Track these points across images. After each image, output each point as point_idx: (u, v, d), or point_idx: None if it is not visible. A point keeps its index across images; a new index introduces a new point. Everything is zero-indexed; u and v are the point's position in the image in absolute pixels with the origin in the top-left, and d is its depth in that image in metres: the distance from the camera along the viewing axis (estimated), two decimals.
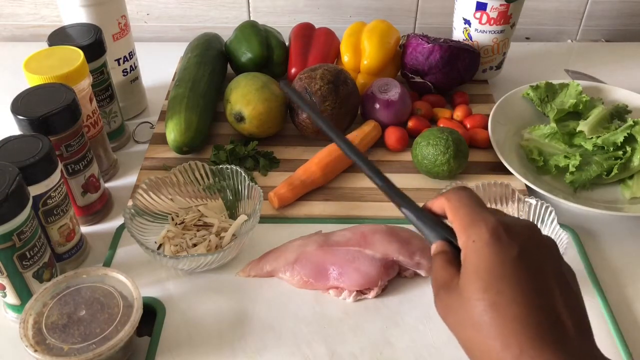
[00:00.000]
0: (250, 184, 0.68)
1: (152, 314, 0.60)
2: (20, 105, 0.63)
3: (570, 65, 1.03)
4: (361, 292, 0.62)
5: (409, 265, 0.63)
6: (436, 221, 0.43)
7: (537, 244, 0.38)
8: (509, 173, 0.75)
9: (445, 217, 0.42)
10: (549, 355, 0.33)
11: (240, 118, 0.79)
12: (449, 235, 0.42)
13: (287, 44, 0.95)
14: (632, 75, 1.00)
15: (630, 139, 0.76)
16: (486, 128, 0.82)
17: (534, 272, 0.36)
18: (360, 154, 0.49)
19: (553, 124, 0.81)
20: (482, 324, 0.35)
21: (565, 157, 0.77)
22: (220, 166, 0.70)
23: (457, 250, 0.40)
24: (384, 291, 0.63)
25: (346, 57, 0.89)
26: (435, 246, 0.42)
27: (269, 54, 0.91)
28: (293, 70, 0.90)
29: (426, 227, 0.43)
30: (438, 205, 0.42)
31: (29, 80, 0.68)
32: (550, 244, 0.39)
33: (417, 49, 0.87)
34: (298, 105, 0.54)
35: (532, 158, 0.78)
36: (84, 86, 0.70)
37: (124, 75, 0.87)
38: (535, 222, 0.65)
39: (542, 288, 0.36)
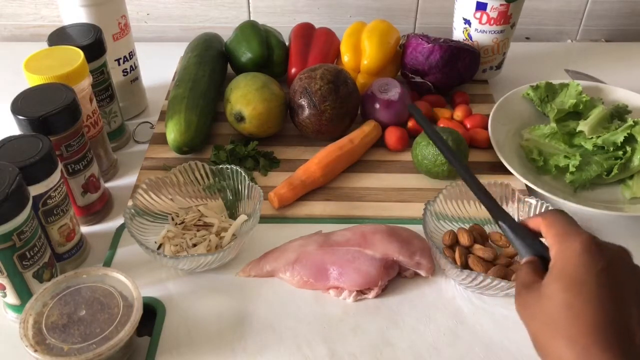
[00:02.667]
0: (250, 184, 0.68)
1: (152, 314, 0.60)
2: (20, 105, 0.63)
3: (570, 65, 1.03)
4: (361, 292, 0.62)
5: (409, 265, 0.63)
6: (531, 236, 0.46)
7: (626, 267, 0.40)
8: (509, 173, 0.75)
9: (539, 235, 0.46)
10: (611, 355, 0.36)
11: (240, 118, 0.79)
12: (541, 250, 0.45)
13: (287, 44, 0.95)
14: (632, 75, 1.00)
15: (630, 139, 0.76)
16: (486, 128, 0.82)
17: (614, 287, 0.38)
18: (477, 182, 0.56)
19: (553, 124, 0.81)
20: (554, 320, 0.38)
21: (566, 157, 0.77)
22: (220, 166, 0.70)
23: (545, 264, 0.43)
24: (384, 291, 0.63)
25: (346, 57, 0.89)
26: (527, 259, 0.45)
27: (269, 54, 0.91)
28: (293, 70, 0.90)
29: (521, 241, 0.47)
30: (534, 222, 0.46)
31: (29, 80, 0.68)
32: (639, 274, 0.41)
33: (417, 49, 0.87)
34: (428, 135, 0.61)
35: (532, 158, 0.78)
36: (84, 86, 0.70)
37: (124, 75, 0.87)
38: None
39: (618, 302, 0.38)
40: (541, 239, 0.46)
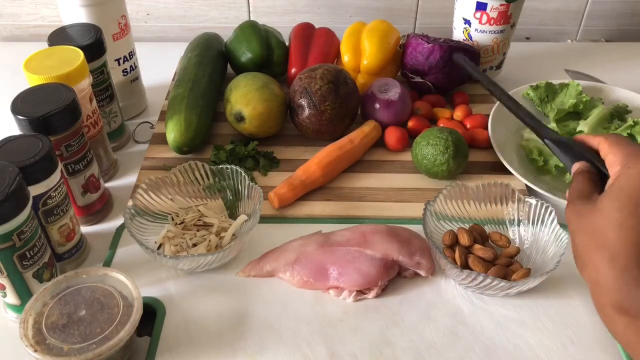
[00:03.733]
0: (250, 184, 0.68)
1: (152, 314, 0.60)
2: (20, 105, 0.63)
3: (570, 65, 1.03)
4: (361, 292, 0.62)
5: (409, 265, 0.63)
6: (585, 147, 0.46)
7: None
8: (509, 173, 0.75)
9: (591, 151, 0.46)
10: None
11: (240, 118, 0.80)
12: (594, 160, 0.45)
13: (287, 44, 0.95)
14: (632, 75, 1.00)
15: (630, 139, 0.76)
16: (486, 128, 0.82)
17: None
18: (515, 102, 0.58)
19: (553, 124, 0.81)
20: (602, 234, 0.38)
21: None
22: (220, 166, 0.70)
23: (600, 175, 0.43)
24: (384, 291, 0.63)
25: (346, 57, 0.89)
26: (580, 165, 0.45)
27: (269, 54, 0.91)
28: (293, 70, 0.90)
29: (568, 154, 0.47)
30: (592, 141, 0.46)
31: (29, 80, 0.68)
32: None
33: (417, 49, 0.87)
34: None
35: (532, 158, 0.78)
36: (84, 86, 0.70)
37: (124, 75, 0.87)
38: (535, 222, 0.65)
39: None
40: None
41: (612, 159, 0.43)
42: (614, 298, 0.38)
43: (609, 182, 0.41)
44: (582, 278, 0.63)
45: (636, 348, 0.38)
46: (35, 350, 0.51)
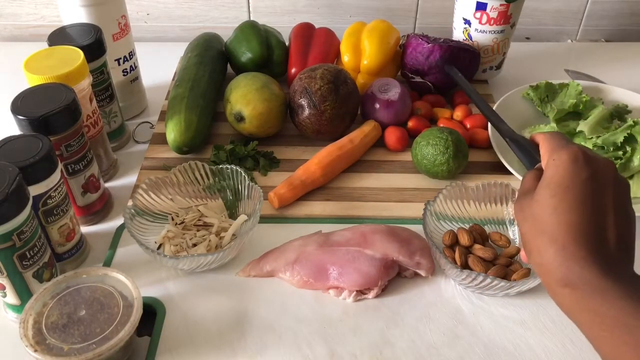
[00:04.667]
0: (250, 184, 0.68)
1: (152, 314, 0.60)
2: (20, 105, 0.63)
3: (570, 65, 1.03)
4: (361, 292, 0.62)
5: (409, 265, 0.63)
6: (535, 151, 0.50)
7: (609, 178, 0.44)
8: (509, 173, 0.75)
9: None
10: (585, 253, 0.41)
11: (240, 118, 0.79)
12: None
13: (287, 44, 0.95)
14: (632, 75, 1.00)
15: (630, 139, 0.76)
16: (486, 128, 0.82)
17: (596, 195, 0.43)
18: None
19: (553, 124, 0.81)
20: (541, 220, 0.43)
21: None
22: (220, 166, 0.70)
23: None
24: (384, 291, 0.63)
25: (346, 57, 0.89)
26: (533, 167, 0.50)
27: (269, 54, 0.91)
28: (293, 70, 0.90)
29: (526, 155, 0.53)
30: (536, 138, 0.50)
31: (29, 80, 0.68)
32: (622, 184, 0.45)
33: (417, 49, 0.87)
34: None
35: None
36: (84, 86, 0.70)
37: (124, 75, 0.87)
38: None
39: (597, 208, 0.42)
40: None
41: (543, 153, 0.47)
42: (556, 274, 0.42)
43: (544, 171, 0.46)
44: None
45: (578, 316, 0.42)
46: (35, 350, 0.51)
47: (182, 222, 0.69)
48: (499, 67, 0.96)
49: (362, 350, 0.57)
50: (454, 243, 0.65)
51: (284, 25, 1.02)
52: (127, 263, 0.66)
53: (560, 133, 0.49)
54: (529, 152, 0.53)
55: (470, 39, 0.92)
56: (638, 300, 0.39)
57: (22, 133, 0.62)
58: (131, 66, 0.88)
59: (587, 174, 0.43)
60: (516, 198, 0.48)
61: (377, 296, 0.62)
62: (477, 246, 0.64)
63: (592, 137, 0.77)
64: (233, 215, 0.71)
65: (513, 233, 0.68)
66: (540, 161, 0.49)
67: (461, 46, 0.87)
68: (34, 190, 0.58)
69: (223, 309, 0.61)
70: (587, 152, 0.44)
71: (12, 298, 0.58)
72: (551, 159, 0.45)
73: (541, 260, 0.43)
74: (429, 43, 0.86)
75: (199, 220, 0.70)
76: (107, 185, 0.78)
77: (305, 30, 0.95)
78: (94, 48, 0.75)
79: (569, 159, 0.43)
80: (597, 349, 0.41)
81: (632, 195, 0.73)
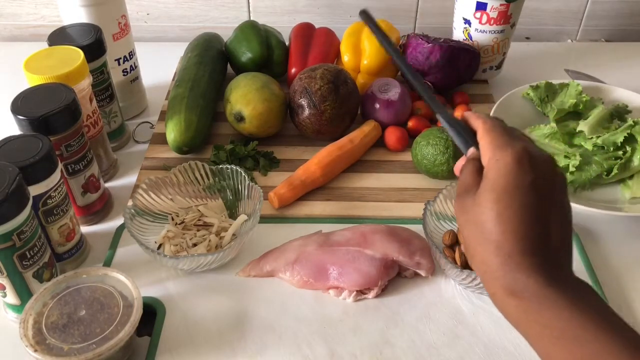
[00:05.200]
0: (250, 184, 0.68)
1: (152, 314, 0.60)
2: (20, 105, 0.63)
3: (570, 65, 1.03)
4: (361, 292, 0.62)
5: (409, 265, 0.63)
6: (468, 132, 0.48)
7: (551, 177, 0.43)
8: None
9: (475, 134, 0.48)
10: (530, 263, 0.40)
11: (240, 118, 0.79)
12: (477, 147, 0.47)
13: (287, 44, 0.95)
14: (632, 75, 1.00)
15: (630, 139, 0.76)
16: None
17: (540, 199, 0.41)
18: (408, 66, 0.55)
19: (553, 124, 0.81)
20: (485, 227, 0.41)
21: (566, 157, 0.77)
22: (220, 166, 0.70)
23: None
24: (384, 291, 0.63)
25: (346, 57, 0.89)
26: (470, 152, 0.47)
27: (269, 54, 0.91)
28: (293, 70, 0.90)
29: (461, 136, 0.49)
30: (474, 122, 0.47)
31: (29, 80, 0.68)
32: (562, 181, 0.44)
33: (417, 49, 0.87)
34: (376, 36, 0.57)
35: None
36: (84, 86, 0.70)
37: (124, 75, 0.87)
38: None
39: (542, 213, 0.41)
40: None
41: (484, 147, 0.45)
42: (502, 284, 0.41)
43: (484, 171, 0.44)
44: (585, 278, 0.64)
45: (526, 327, 0.41)
46: (35, 350, 0.51)
47: (182, 222, 0.69)
48: (499, 67, 0.96)
49: (362, 350, 0.57)
50: (454, 243, 0.65)
51: (284, 25, 1.02)
52: (127, 263, 0.66)
53: (498, 120, 0.46)
54: (462, 132, 0.49)
55: (470, 39, 0.92)
56: (583, 309, 0.39)
57: (22, 133, 0.62)
58: (131, 66, 0.88)
59: (532, 177, 0.41)
60: (457, 194, 0.46)
61: (377, 296, 0.62)
62: None
63: (592, 137, 0.77)
64: (233, 215, 0.71)
65: None
66: (473, 144, 0.47)
67: (461, 46, 0.87)
68: (34, 190, 0.58)
69: (223, 309, 0.61)
70: (531, 152, 0.43)
71: (12, 298, 0.58)
72: (494, 158, 0.43)
73: (486, 269, 0.42)
74: (429, 43, 0.86)
75: (199, 220, 0.70)
76: (107, 185, 0.78)
77: (305, 30, 0.95)
78: (94, 48, 0.75)
79: (513, 161, 0.42)
80: None
81: (631, 195, 0.73)
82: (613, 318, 0.39)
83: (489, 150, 0.44)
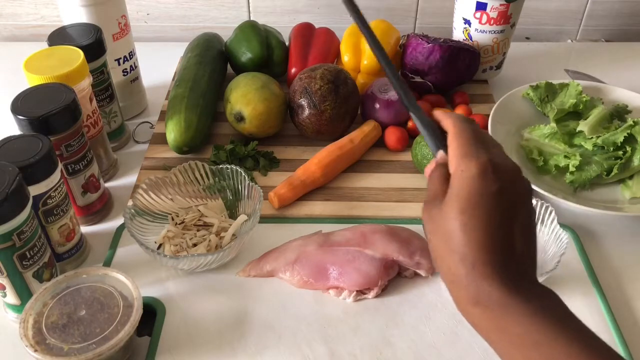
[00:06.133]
0: (250, 183, 0.68)
1: (152, 314, 0.60)
2: (20, 105, 0.63)
3: (570, 65, 1.03)
4: (361, 292, 0.62)
5: (409, 265, 0.63)
6: (439, 133, 0.48)
7: (516, 186, 0.43)
8: None
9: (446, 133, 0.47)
10: (494, 272, 0.40)
11: (240, 118, 0.79)
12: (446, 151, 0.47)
13: (287, 44, 0.95)
14: (632, 75, 1.00)
15: (630, 139, 0.76)
16: (486, 128, 0.82)
17: (505, 209, 0.42)
18: (389, 62, 0.54)
19: (553, 124, 0.81)
20: (451, 238, 0.42)
21: (565, 157, 0.77)
22: (220, 166, 0.70)
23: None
24: (384, 291, 0.63)
25: (346, 57, 0.89)
26: (439, 157, 0.47)
27: (269, 54, 0.91)
28: (293, 70, 0.90)
29: (432, 138, 0.48)
30: (445, 123, 0.47)
31: (29, 80, 0.68)
32: (526, 189, 0.45)
33: (417, 49, 0.87)
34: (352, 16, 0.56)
35: (532, 158, 0.78)
36: (84, 86, 0.70)
37: (124, 75, 0.87)
38: (535, 222, 0.65)
39: (506, 223, 0.42)
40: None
41: (451, 154, 0.45)
42: (467, 293, 0.41)
43: (450, 180, 0.44)
44: (585, 278, 0.64)
45: (489, 334, 0.41)
46: (35, 350, 0.51)
47: (182, 222, 0.69)
48: (499, 67, 0.96)
49: (362, 350, 0.57)
50: None
51: (284, 25, 1.02)
52: (127, 263, 0.66)
53: (468, 124, 0.46)
54: (433, 134, 0.49)
55: (470, 39, 0.92)
56: (544, 316, 0.39)
57: (22, 133, 0.62)
58: (131, 66, 0.88)
59: (496, 187, 0.41)
60: (425, 202, 0.46)
61: (377, 296, 0.62)
62: None
63: (592, 137, 0.77)
64: (233, 215, 0.71)
65: None
66: (443, 147, 0.47)
67: (461, 46, 0.87)
68: (34, 190, 0.58)
69: (223, 309, 0.61)
70: (496, 162, 0.43)
71: (12, 298, 0.58)
72: (459, 169, 0.43)
73: (453, 278, 0.42)
74: (429, 43, 0.86)
75: (199, 220, 0.70)
76: (107, 185, 0.78)
77: (305, 30, 0.95)
78: (94, 48, 0.75)
79: (478, 172, 0.42)
80: None
81: (631, 195, 0.73)
82: (576, 326, 0.40)
83: (455, 159, 0.44)
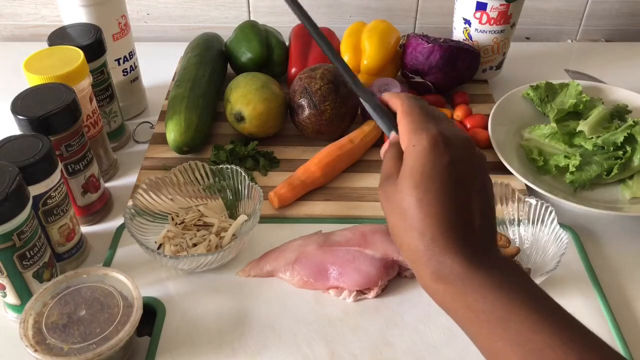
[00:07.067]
0: (250, 183, 0.68)
1: (152, 314, 0.60)
2: (20, 105, 0.63)
3: (570, 65, 1.03)
4: (361, 292, 0.62)
5: (409, 265, 0.63)
6: (390, 114, 0.48)
7: (469, 157, 0.43)
8: (509, 173, 0.75)
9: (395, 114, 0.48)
10: (454, 245, 0.40)
11: (240, 118, 0.80)
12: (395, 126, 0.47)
13: (287, 44, 0.95)
14: (632, 75, 1.00)
15: (630, 139, 0.76)
16: (486, 128, 0.82)
17: (459, 180, 0.41)
18: (333, 50, 0.54)
19: (553, 124, 0.81)
20: (407, 214, 0.41)
21: (565, 157, 0.77)
22: (220, 166, 0.70)
23: None
24: (384, 291, 0.63)
25: (346, 57, 0.89)
26: (392, 137, 0.48)
27: (269, 54, 0.91)
28: (293, 70, 0.90)
29: (383, 119, 0.49)
30: (393, 103, 0.48)
31: (29, 80, 0.68)
32: (480, 160, 0.44)
33: (417, 49, 0.87)
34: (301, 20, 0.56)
35: (532, 158, 0.78)
36: (84, 86, 0.70)
37: (124, 75, 0.87)
38: (535, 222, 0.65)
39: (462, 194, 0.41)
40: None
41: (401, 131, 0.45)
42: (429, 269, 0.41)
43: (403, 157, 0.44)
44: (585, 278, 0.64)
45: (454, 312, 0.41)
46: (35, 350, 0.51)
47: (182, 222, 0.69)
48: (499, 67, 0.96)
49: (362, 350, 0.57)
50: None
51: (284, 25, 1.02)
52: (127, 263, 0.66)
53: (416, 102, 0.46)
54: (384, 116, 0.49)
55: (470, 39, 0.92)
56: (509, 290, 0.38)
57: (22, 133, 0.62)
58: (131, 66, 0.88)
59: (448, 159, 0.41)
60: (380, 181, 0.46)
61: (377, 296, 0.62)
62: None
63: (592, 137, 0.77)
64: (233, 215, 0.71)
65: (513, 233, 0.68)
66: (394, 128, 0.47)
67: (461, 46, 0.87)
68: (34, 190, 0.58)
69: (223, 309, 0.61)
70: (446, 134, 0.43)
71: (12, 298, 0.58)
72: (411, 144, 0.43)
73: (413, 256, 0.41)
74: (429, 43, 0.86)
75: (199, 220, 0.70)
76: (107, 185, 0.78)
77: (305, 30, 0.94)
78: (94, 48, 0.75)
79: (429, 145, 0.42)
80: (477, 345, 0.41)
81: (631, 195, 0.73)
82: (540, 298, 0.39)
83: (406, 135, 0.44)
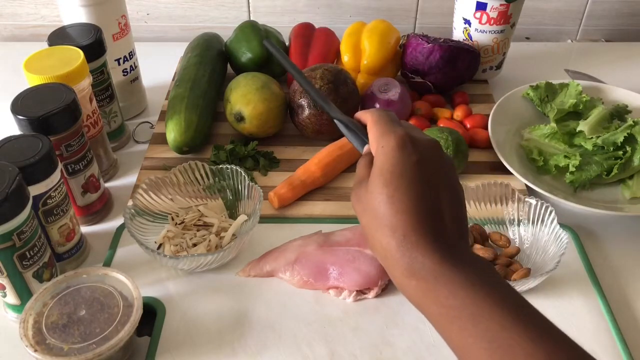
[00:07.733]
0: (250, 183, 0.68)
1: (152, 314, 0.60)
2: (20, 105, 0.63)
3: (570, 65, 1.03)
4: (361, 292, 0.62)
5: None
6: (363, 131, 0.50)
7: (437, 158, 0.44)
8: (509, 173, 0.75)
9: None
10: (426, 241, 0.40)
11: (240, 118, 0.80)
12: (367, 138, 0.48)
13: (287, 44, 0.95)
14: (632, 75, 1.00)
15: (630, 139, 0.76)
16: (486, 128, 0.82)
17: (428, 178, 0.42)
18: (305, 78, 0.59)
19: (553, 124, 0.81)
20: (378, 212, 0.42)
21: (565, 157, 0.77)
22: (220, 166, 0.70)
23: None
24: (384, 291, 0.63)
25: (346, 57, 0.89)
26: (365, 149, 0.49)
27: (269, 54, 0.91)
28: None
29: (355, 136, 0.51)
30: (364, 118, 0.50)
31: (29, 80, 0.68)
32: (448, 161, 0.45)
33: (417, 49, 0.87)
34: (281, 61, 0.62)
35: (532, 158, 0.78)
36: (84, 86, 0.70)
37: (124, 75, 0.87)
38: (535, 222, 0.66)
39: (431, 190, 0.42)
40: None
41: (371, 138, 0.46)
42: (401, 266, 0.41)
43: (374, 161, 0.45)
44: (585, 278, 0.64)
45: (426, 308, 0.41)
46: (35, 350, 0.51)
47: (182, 222, 0.69)
48: (499, 67, 0.96)
49: (362, 350, 0.57)
50: None
51: (284, 25, 1.02)
52: (127, 263, 0.66)
53: (385, 112, 0.48)
54: (357, 134, 0.51)
55: (470, 39, 0.92)
56: (480, 287, 0.39)
57: (22, 133, 0.62)
58: (131, 66, 0.88)
59: (416, 157, 0.42)
60: (352, 188, 0.47)
61: (377, 296, 0.62)
62: (477, 246, 0.64)
63: (592, 137, 0.77)
64: (233, 215, 0.71)
65: (513, 233, 0.68)
66: (367, 142, 0.48)
67: (461, 46, 0.87)
68: (34, 190, 0.58)
69: (223, 309, 0.61)
70: (413, 135, 0.44)
71: (12, 298, 0.58)
72: (379, 146, 0.44)
73: (385, 253, 0.42)
74: (429, 43, 0.86)
75: (199, 220, 0.70)
76: (107, 185, 0.78)
77: (305, 30, 0.95)
78: (94, 48, 0.75)
79: (397, 145, 0.43)
80: (448, 342, 0.41)
81: (631, 195, 0.74)
82: (510, 295, 0.39)
83: (375, 140, 0.45)
